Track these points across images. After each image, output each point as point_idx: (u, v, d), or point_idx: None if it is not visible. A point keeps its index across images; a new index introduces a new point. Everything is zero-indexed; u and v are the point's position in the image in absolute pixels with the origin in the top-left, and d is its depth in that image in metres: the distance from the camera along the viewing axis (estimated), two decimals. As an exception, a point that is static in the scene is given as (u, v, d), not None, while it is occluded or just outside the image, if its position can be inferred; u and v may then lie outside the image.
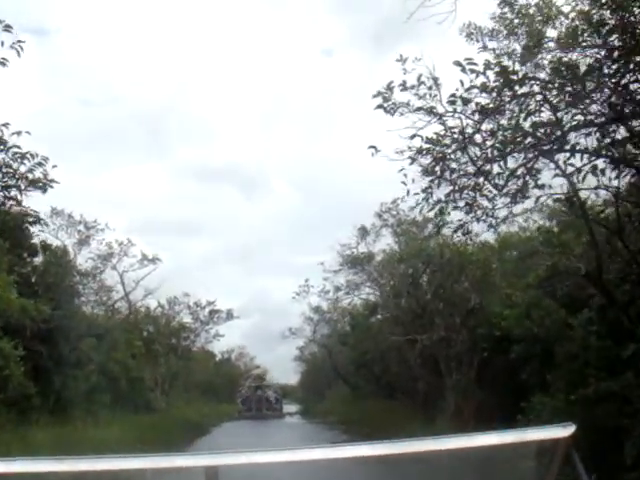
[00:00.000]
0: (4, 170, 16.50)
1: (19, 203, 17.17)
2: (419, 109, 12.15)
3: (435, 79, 11.88)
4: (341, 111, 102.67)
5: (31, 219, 18.34)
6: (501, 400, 25.43)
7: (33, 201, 19.24)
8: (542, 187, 13.09)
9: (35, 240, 34.68)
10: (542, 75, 12.07)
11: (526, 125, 12.73)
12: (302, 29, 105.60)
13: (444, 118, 12.38)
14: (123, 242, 37.10)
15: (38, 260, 35.44)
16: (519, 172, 14.01)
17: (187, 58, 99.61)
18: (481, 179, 14.61)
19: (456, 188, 14.69)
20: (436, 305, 28.09)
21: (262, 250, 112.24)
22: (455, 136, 13.40)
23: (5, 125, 16.26)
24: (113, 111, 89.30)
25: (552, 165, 13.72)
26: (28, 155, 16.82)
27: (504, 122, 12.88)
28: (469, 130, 12.98)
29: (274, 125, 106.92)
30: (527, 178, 13.84)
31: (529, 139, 13.18)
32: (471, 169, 14.43)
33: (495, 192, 14.93)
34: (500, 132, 13.17)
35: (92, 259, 36.14)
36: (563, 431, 2.48)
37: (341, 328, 53.19)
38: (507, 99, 12.22)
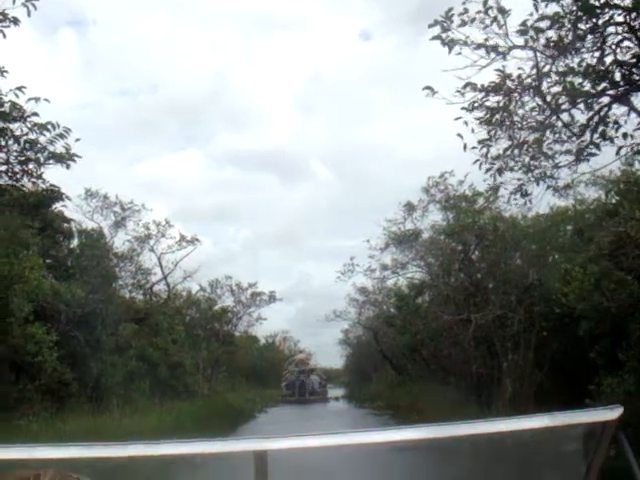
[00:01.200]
0: (21, 141, 15.16)
1: (39, 177, 15.74)
2: (481, 46, 10.43)
3: (501, 8, 10.13)
4: (380, 94, 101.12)
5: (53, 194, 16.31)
6: (563, 383, 23.71)
7: (65, 183, 17.98)
8: (625, 136, 11.27)
9: (70, 224, 33.96)
10: (626, 2, 10.23)
11: (605, 64, 10.94)
12: (340, 14, 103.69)
13: (509, 56, 10.64)
14: (161, 223, 35.80)
15: (74, 243, 34.54)
16: (591, 122, 12.27)
17: (225, 45, 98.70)
18: (545, 132, 12.96)
19: (515, 143, 13.11)
20: (490, 282, 26.26)
21: (304, 235, 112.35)
22: (515, 83, 11.72)
23: (20, 89, 14.88)
24: (152, 100, 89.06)
25: (632, 114, 11.90)
26: (49, 126, 15.43)
27: (576, 62, 11.10)
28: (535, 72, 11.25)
29: (313, 110, 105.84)
30: (601, 128, 12.06)
31: (605, 83, 11.40)
32: (534, 121, 12.79)
33: (557, 149, 13.26)
34: (571, 75, 11.41)
35: (129, 241, 34.94)
36: (611, 414, 2.42)
37: (387, 310, 51.57)
38: (584, 31, 10.42)
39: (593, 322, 18.98)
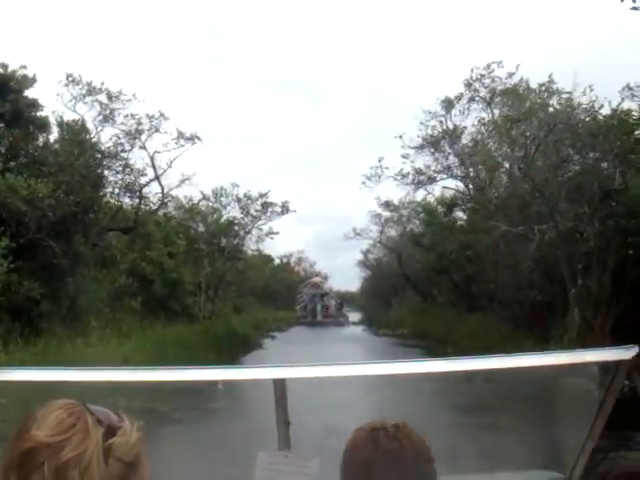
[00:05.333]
0: None
1: None
2: None
3: None
4: (409, 19, 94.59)
5: None
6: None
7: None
8: None
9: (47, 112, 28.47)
10: None
11: None
12: None
13: None
14: (154, 115, 29.96)
15: (53, 137, 29.08)
16: None
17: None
18: None
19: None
20: (557, 187, 20.58)
21: (327, 159, 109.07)
22: None
23: None
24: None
25: None
26: None
27: None
28: None
29: (341, 35, 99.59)
30: None
31: None
32: None
33: None
34: None
35: (116, 136, 29.28)
36: (625, 353, 2.44)
37: (413, 228, 46.47)
38: None
39: None
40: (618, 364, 2.49)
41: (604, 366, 2.69)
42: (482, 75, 29.06)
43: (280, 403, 2.62)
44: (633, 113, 21.88)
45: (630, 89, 22.61)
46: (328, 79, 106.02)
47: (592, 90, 21.58)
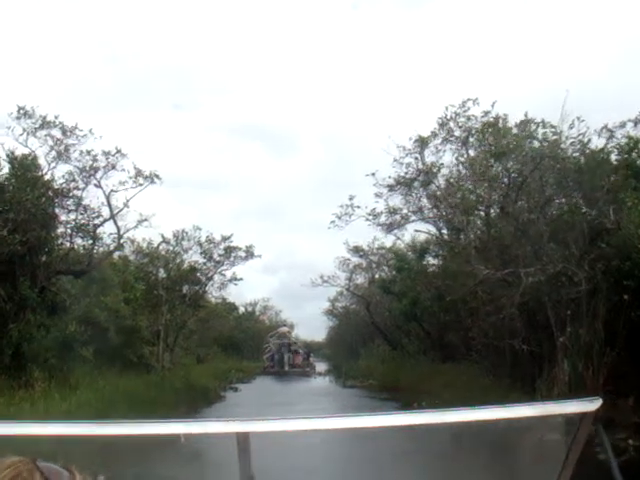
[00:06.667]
0: None
1: None
2: None
3: None
4: (370, 67, 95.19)
5: None
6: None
7: None
8: None
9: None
10: None
11: None
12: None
13: None
14: (110, 152, 28.12)
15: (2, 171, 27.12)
16: None
17: (215, 14, 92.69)
18: None
19: None
20: (544, 226, 19.09)
21: (290, 207, 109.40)
22: None
23: None
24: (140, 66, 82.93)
25: None
26: None
27: None
28: None
29: (305, 82, 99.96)
30: None
31: None
32: None
33: None
34: None
35: (69, 173, 27.38)
36: (590, 405, 2.40)
37: (383, 274, 44.91)
38: None
39: None
40: (582, 416, 2.44)
41: (568, 419, 2.61)
42: (457, 113, 27.74)
43: (243, 458, 2.51)
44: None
45: (609, 130, 21.38)
46: (291, 126, 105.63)
47: (582, 121, 20.20)
